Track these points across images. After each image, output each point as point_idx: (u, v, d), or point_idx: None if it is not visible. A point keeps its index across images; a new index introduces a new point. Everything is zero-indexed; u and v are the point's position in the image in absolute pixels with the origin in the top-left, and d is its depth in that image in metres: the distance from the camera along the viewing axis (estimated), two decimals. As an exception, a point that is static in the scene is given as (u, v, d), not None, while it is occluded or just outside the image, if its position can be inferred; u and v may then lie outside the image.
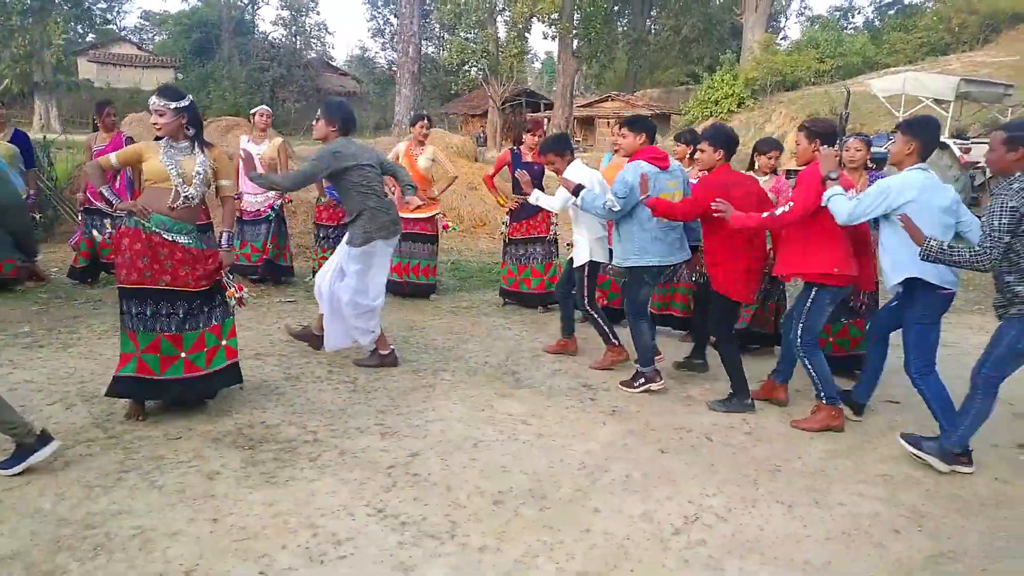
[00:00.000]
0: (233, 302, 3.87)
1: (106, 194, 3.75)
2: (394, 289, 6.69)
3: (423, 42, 28.98)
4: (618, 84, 38.04)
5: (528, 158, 6.21)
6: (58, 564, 2.53)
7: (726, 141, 4.27)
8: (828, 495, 3.31)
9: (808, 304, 3.98)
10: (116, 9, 45.56)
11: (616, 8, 33.77)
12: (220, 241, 3.92)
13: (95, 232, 6.07)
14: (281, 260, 6.77)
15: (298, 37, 44.55)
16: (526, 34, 30.08)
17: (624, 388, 4.56)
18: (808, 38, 28.79)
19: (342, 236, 6.76)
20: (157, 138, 3.85)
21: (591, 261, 4.89)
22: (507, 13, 29.73)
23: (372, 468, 3.37)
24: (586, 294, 4.94)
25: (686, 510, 3.12)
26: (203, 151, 3.72)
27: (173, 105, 3.55)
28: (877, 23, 38.44)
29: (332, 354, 4.93)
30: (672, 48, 36.72)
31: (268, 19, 74.17)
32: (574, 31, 26.83)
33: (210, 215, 6.21)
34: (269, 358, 4.82)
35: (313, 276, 6.90)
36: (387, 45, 49.13)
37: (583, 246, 4.89)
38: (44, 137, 9.90)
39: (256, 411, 3.93)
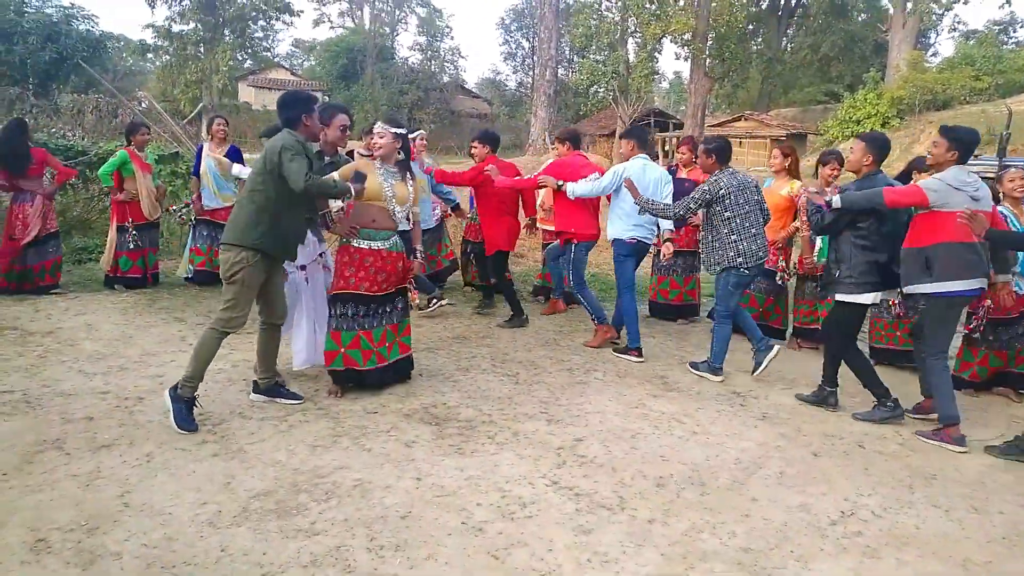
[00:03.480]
0: (413, 304, 4.48)
1: (328, 217, 4.41)
2: (547, 294, 7.16)
3: (555, 65, 29.75)
4: (751, 103, 37.28)
5: (682, 174, 6.48)
6: (300, 502, 3.09)
7: (492, 139, 6.29)
8: (987, 503, 3.39)
9: (570, 256, 5.80)
10: (271, 37, 49.74)
11: (751, 27, 33.24)
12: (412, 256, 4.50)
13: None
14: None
15: (433, 61, 46.78)
16: (656, 55, 30.24)
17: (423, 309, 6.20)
18: (963, 55, 27.21)
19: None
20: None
21: None
22: (638, 35, 30.02)
23: (543, 448, 3.77)
24: None
25: (842, 506, 3.31)
26: (412, 179, 4.39)
27: (393, 130, 4.18)
28: (1043, 37, 35.63)
29: (494, 350, 5.42)
30: (809, 66, 35.67)
31: (406, 44, 78.27)
32: (707, 51, 26.71)
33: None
34: (440, 351, 5.36)
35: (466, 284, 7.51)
36: (518, 68, 50.61)
37: None
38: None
39: (437, 394, 4.44)
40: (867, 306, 4.44)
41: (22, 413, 3.85)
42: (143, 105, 23.29)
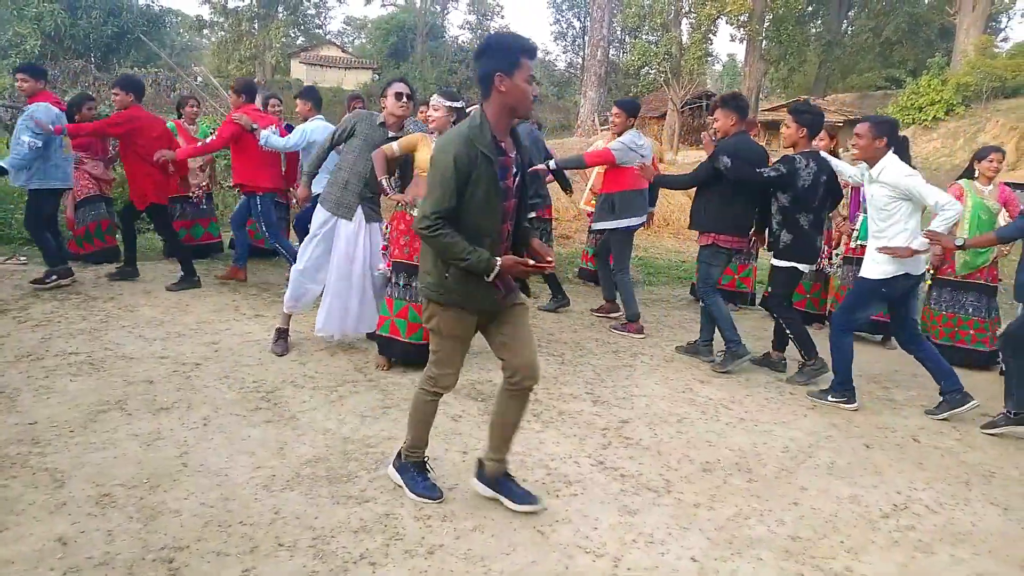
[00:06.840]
0: None
1: (384, 184, 4.32)
2: (587, 277, 7.15)
3: (606, 45, 29.35)
4: (807, 88, 36.24)
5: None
6: (350, 470, 3.15)
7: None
8: (1048, 504, 3.28)
9: (258, 209, 5.86)
10: (324, 15, 50.08)
11: (810, 8, 32.28)
12: None
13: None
14: None
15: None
16: (711, 36, 29.58)
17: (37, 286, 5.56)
18: (1035, 39, 25.92)
19: None
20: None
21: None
22: (693, 15, 29.40)
23: (588, 428, 3.77)
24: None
25: (894, 499, 3.24)
26: None
27: (447, 103, 4.15)
28: (1123, 22, 33.73)
29: (539, 330, 5.43)
30: (870, 51, 34.44)
31: (456, 23, 78.41)
32: (764, 33, 26.03)
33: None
34: (486, 329, 5.38)
35: None
36: (568, 48, 50.09)
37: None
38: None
39: (483, 372, 4.47)
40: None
41: (86, 374, 4.00)
42: (199, 80, 23.78)
